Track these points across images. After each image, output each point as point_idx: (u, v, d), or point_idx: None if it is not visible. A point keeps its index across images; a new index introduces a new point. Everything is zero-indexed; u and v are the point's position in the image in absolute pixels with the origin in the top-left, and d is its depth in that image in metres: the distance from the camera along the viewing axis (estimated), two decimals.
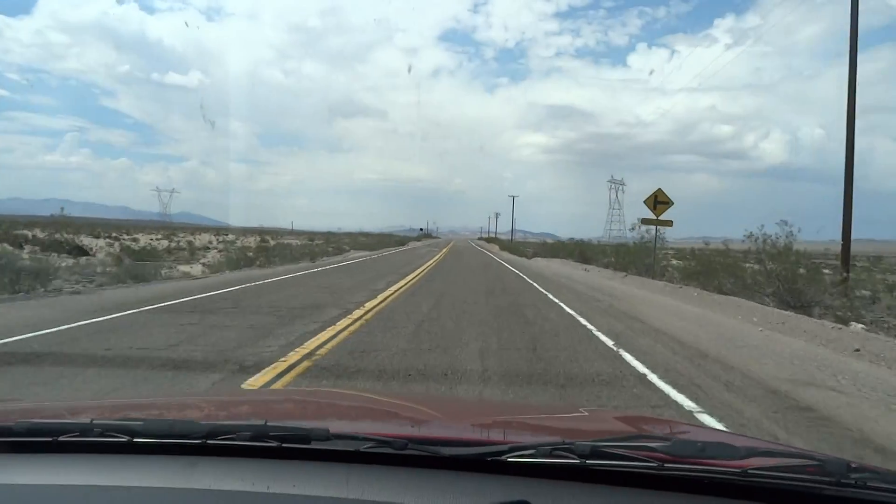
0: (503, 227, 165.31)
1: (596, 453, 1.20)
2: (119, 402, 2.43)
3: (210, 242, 52.72)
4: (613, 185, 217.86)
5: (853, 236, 13.30)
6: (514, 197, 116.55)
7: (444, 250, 52.04)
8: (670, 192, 18.28)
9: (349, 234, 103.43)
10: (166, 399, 2.88)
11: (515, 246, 71.56)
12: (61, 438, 1.32)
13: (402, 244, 74.38)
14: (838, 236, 13.54)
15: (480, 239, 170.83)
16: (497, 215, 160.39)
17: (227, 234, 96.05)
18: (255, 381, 5.19)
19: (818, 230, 14.06)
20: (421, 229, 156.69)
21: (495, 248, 73.64)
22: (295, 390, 4.57)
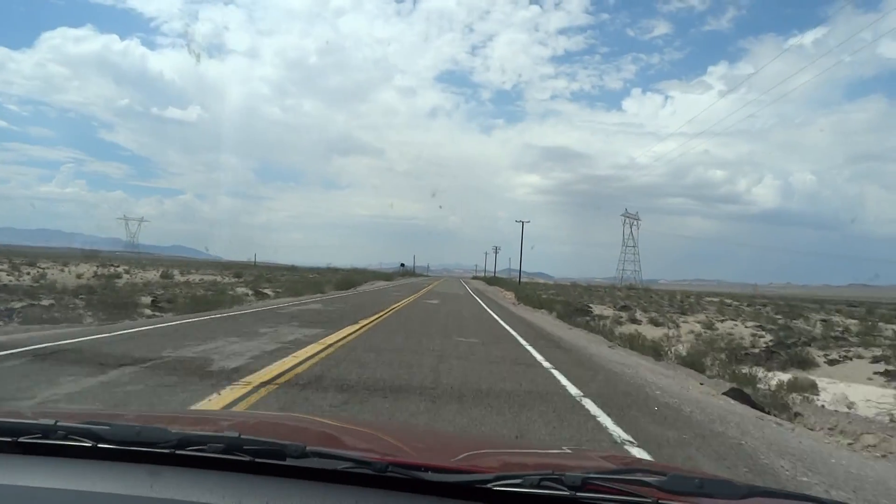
0: (500, 265, 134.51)
1: (587, 485, 1.14)
2: (87, 410, 2.30)
3: (81, 276, 40.75)
4: (628, 220, 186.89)
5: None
6: (523, 222, 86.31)
7: (384, 312, 19.55)
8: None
9: (318, 270, 79.20)
10: (137, 411, 2.76)
11: (533, 292, 41.30)
12: (22, 439, 1.26)
13: (351, 286, 42.75)
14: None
15: (475, 278, 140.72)
16: (497, 249, 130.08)
17: (115, 266, 71.65)
18: None
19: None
20: (402, 265, 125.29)
21: (509, 296, 41.12)
22: (270, 414, 4.19)
